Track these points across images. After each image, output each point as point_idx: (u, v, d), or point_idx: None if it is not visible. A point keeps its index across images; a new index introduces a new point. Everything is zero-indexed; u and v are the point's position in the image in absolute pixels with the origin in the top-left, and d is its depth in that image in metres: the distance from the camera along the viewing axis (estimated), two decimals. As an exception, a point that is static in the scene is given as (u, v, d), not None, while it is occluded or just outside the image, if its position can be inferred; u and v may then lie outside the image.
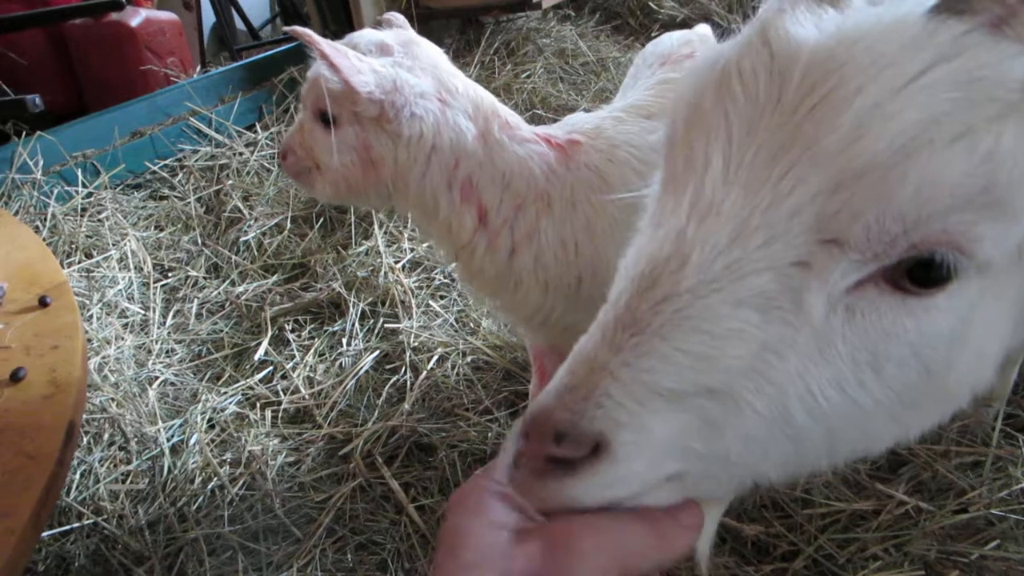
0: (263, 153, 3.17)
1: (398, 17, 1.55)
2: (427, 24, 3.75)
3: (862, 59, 0.57)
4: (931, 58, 0.55)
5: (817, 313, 0.57)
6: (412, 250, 2.55)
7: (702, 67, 0.66)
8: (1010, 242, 0.57)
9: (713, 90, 0.64)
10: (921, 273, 0.56)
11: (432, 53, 1.42)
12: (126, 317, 2.37)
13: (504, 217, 1.38)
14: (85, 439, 1.88)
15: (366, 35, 1.43)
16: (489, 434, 1.84)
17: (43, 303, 1.49)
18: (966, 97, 0.54)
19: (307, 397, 2.05)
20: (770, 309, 0.57)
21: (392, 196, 1.46)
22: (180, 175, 3.08)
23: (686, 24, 3.95)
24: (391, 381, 2.06)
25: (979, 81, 0.54)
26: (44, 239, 2.49)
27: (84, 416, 1.90)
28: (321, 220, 2.79)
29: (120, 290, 2.43)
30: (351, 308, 2.32)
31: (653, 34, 4.42)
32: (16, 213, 2.56)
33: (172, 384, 2.14)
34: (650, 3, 4.62)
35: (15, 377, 1.29)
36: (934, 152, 0.53)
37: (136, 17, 4.03)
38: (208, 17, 5.52)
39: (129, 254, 2.57)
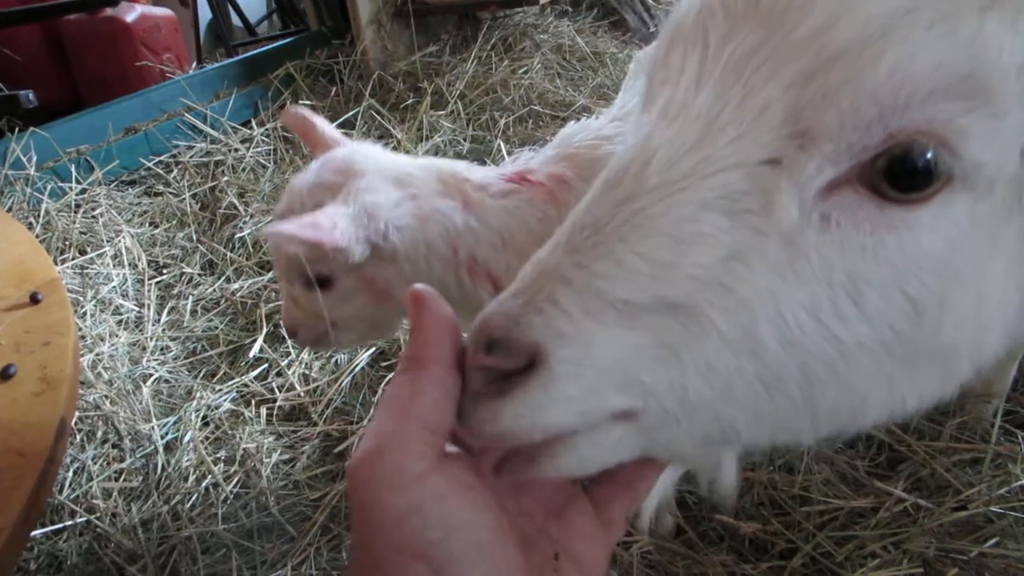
0: (258, 149, 3.15)
1: (298, 112, 1.48)
2: (423, 20, 3.74)
3: None
4: None
5: (788, 217, 0.52)
6: (408, 246, 2.54)
7: (685, 3, 0.63)
8: (1001, 150, 0.52)
9: (695, 9, 0.61)
10: (903, 177, 0.51)
11: (368, 159, 1.33)
12: (120, 314, 2.35)
13: (514, 274, 1.35)
14: (78, 437, 1.87)
15: (298, 186, 1.33)
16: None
17: (34, 300, 1.48)
18: None
19: (302, 395, 2.03)
20: (739, 212, 0.52)
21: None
22: (175, 171, 3.06)
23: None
24: (387, 378, 2.05)
25: None
26: (37, 235, 2.47)
27: (77, 413, 1.88)
28: (317, 216, 2.78)
29: (114, 287, 2.41)
30: (347, 305, 2.31)
31: (651, 29, 4.41)
32: (9, 209, 2.54)
33: (166, 381, 2.12)
34: (650, -2, 4.61)
35: (5, 374, 1.27)
36: (912, 33, 0.49)
37: (131, 13, 4.02)
38: (204, 13, 5.50)
39: (123, 251, 2.56)
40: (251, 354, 2.17)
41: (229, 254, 2.64)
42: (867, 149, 0.51)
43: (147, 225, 2.80)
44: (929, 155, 0.50)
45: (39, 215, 2.58)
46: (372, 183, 1.28)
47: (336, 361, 2.16)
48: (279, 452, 1.87)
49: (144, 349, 2.22)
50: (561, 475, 0.57)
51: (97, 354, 2.10)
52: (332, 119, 3.23)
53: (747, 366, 0.53)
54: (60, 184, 2.76)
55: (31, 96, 2.70)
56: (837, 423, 0.60)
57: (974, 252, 0.55)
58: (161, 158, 3.09)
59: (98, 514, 1.70)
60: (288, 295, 1.39)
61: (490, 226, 1.32)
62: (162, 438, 1.89)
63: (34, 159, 2.71)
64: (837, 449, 1.78)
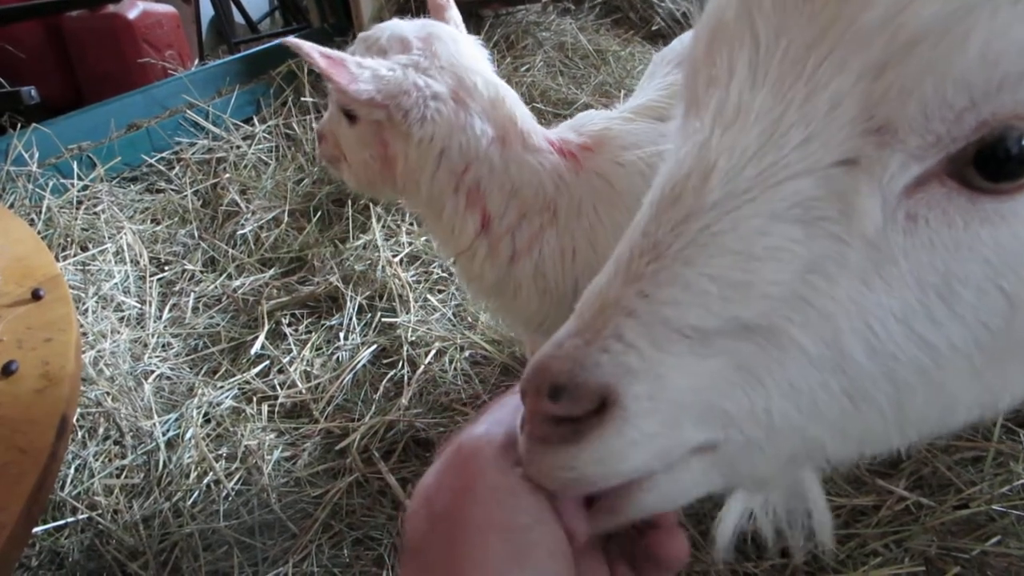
0: (260, 146, 3.15)
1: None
2: (427, 17, 3.73)
3: None
4: None
5: (872, 221, 0.47)
6: (410, 244, 2.54)
7: None
8: None
9: (737, 3, 0.55)
10: (996, 166, 0.46)
11: (453, 49, 1.36)
12: (122, 311, 2.35)
13: (508, 225, 1.36)
14: (80, 433, 1.87)
15: (389, 28, 1.40)
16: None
17: (36, 296, 1.48)
18: None
19: (304, 392, 2.03)
20: (814, 221, 0.48)
21: (404, 193, 1.46)
22: (177, 168, 3.06)
23: (687, 17, 3.92)
24: (388, 376, 2.05)
25: None
26: (39, 232, 2.47)
27: (79, 410, 1.88)
28: (319, 214, 2.78)
29: (116, 283, 2.41)
30: (348, 302, 2.31)
31: (654, 28, 4.40)
32: (11, 206, 2.54)
33: (168, 378, 2.13)
34: (652, -5, 4.60)
35: (7, 370, 1.27)
36: (1000, 7, 0.44)
37: (133, 9, 4.02)
38: (207, 10, 5.50)
39: (125, 247, 2.56)
40: (252, 351, 2.17)
41: (231, 251, 2.64)
42: (957, 140, 0.46)
43: (149, 222, 2.80)
44: (1020, 141, 0.45)
45: (41, 211, 2.58)
46: (433, 67, 1.32)
47: (338, 358, 2.16)
48: (280, 449, 1.87)
49: (146, 346, 2.22)
50: (643, 515, 0.54)
51: (99, 351, 2.10)
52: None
53: (832, 382, 0.49)
54: (62, 180, 2.76)
55: (33, 92, 2.69)
56: (926, 427, 0.56)
57: None
58: (163, 155, 3.09)
59: (100, 511, 1.70)
60: (330, 110, 1.47)
61: (508, 171, 1.34)
62: (164, 435, 1.89)
63: (36, 155, 2.71)
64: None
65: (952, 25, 0.45)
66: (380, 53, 1.34)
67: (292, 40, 1.34)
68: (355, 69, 1.28)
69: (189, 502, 1.72)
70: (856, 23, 0.48)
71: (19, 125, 2.79)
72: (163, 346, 2.26)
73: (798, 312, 0.48)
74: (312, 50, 1.28)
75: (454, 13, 1.51)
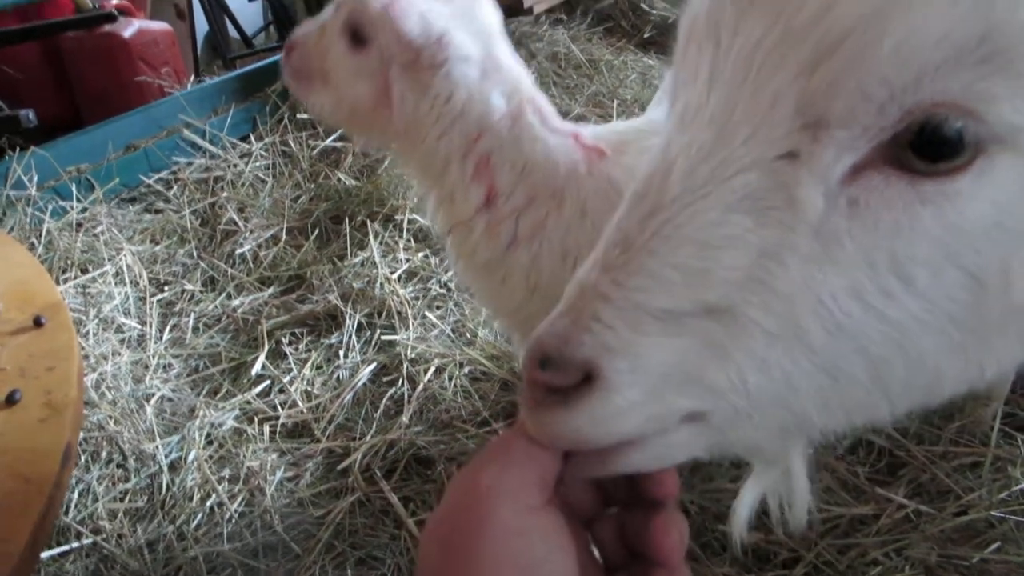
0: (257, 164, 3.16)
1: None
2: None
3: None
4: None
5: (813, 208, 0.52)
6: (408, 260, 2.55)
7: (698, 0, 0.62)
8: None
9: (705, 11, 0.60)
10: (927, 150, 0.49)
11: (491, 19, 1.34)
12: (123, 332, 2.36)
13: (513, 206, 1.31)
14: (83, 457, 1.88)
15: None
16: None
17: (38, 323, 1.49)
18: None
19: (305, 411, 2.05)
20: (763, 211, 0.53)
21: (397, 142, 1.39)
22: (175, 188, 3.07)
23: (678, 25, 3.94)
24: (389, 393, 2.06)
25: None
26: (39, 255, 2.49)
27: (82, 434, 1.89)
28: (316, 231, 2.79)
29: (116, 305, 2.43)
30: (348, 320, 2.32)
31: (646, 35, 4.43)
32: (11, 230, 2.56)
33: (169, 400, 2.14)
34: (642, 4, 4.62)
35: (10, 400, 1.29)
36: (914, 4, 0.47)
37: (129, 28, 4.03)
38: (201, 26, 5.52)
39: (125, 268, 2.57)
40: (253, 371, 2.18)
41: (230, 270, 2.66)
42: (884, 130, 0.50)
43: (148, 242, 2.82)
44: (950, 125, 0.48)
45: (41, 235, 2.59)
46: (471, 28, 1.28)
47: (338, 377, 2.17)
48: (283, 469, 1.88)
49: (147, 367, 2.23)
50: (633, 470, 0.59)
51: (100, 373, 2.11)
52: (330, 132, 3.25)
53: (801, 357, 0.53)
54: (61, 203, 2.77)
55: (32, 116, 2.71)
56: (913, 398, 0.59)
57: None
58: (161, 175, 3.11)
59: (104, 535, 1.71)
60: (323, 21, 1.37)
61: (520, 148, 1.30)
62: (166, 457, 1.90)
63: (35, 179, 2.72)
64: (838, 456, 1.79)
65: (871, 24, 0.48)
66: None
67: None
68: (406, 4, 1.23)
69: (193, 525, 1.73)
70: (793, 22, 0.52)
71: (17, 147, 2.80)
72: (164, 367, 2.27)
73: (755, 294, 0.52)
74: None
75: None
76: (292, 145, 3.26)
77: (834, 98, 0.50)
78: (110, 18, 3.79)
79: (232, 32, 5.56)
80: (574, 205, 1.31)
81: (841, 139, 0.51)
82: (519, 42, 3.97)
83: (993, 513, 1.59)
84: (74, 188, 2.82)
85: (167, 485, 1.83)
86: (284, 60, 1.44)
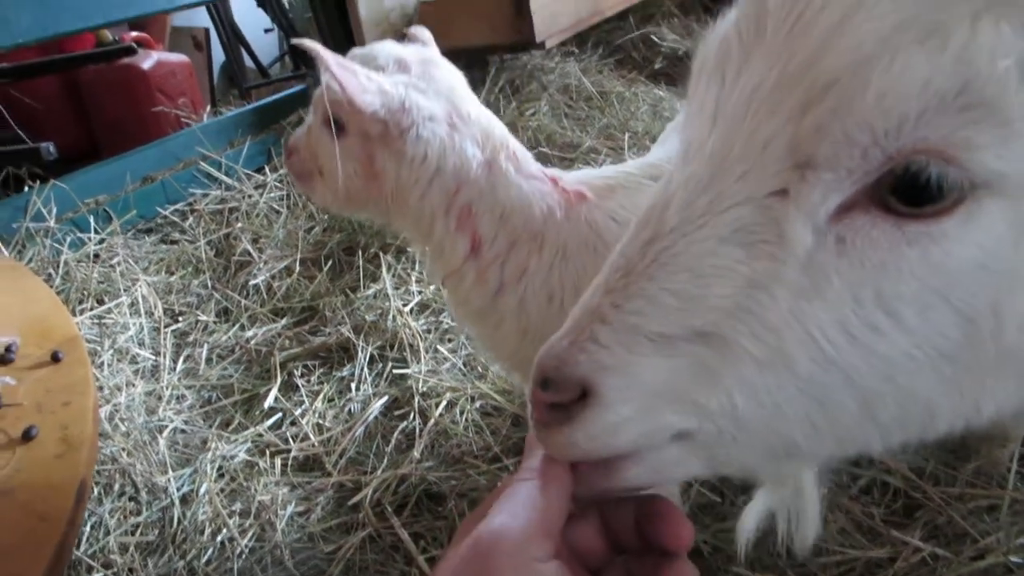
0: (272, 195, 3.20)
1: (423, 32, 1.56)
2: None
3: None
4: None
5: (801, 243, 0.54)
6: (420, 292, 2.56)
7: (712, 34, 0.66)
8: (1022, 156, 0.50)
9: (717, 43, 0.64)
10: (910, 194, 0.52)
11: (449, 76, 1.41)
12: (137, 363, 2.38)
13: (497, 252, 1.37)
14: (96, 490, 1.88)
15: (387, 48, 1.44)
16: (499, 483, 1.83)
17: (55, 358, 1.51)
18: None
19: (316, 444, 2.05)
20: (754, 244, 0.56)
21: (389, 211, 1.46)
22: (191, 219, 3.11)
23: (689, 57, 3.97)
24: (400, 427, 2.06)
25: None
26: (56, 287, 2.51)
27: (95, 467, 1.90)
28: (330, 262, 2.81)
29: (131, 336, 2.44)
30: (360, 352, 2.33)
31: (656, 67, 4.47)
32: (30, 261, 2.59)
33: (182, 431, 2.14)
34: (652, 36, 4.67)
35: (27, 435, 1.30)
36: (898, 55, 0.50)
37: (148, 60, 4.12)
38: (218, 56, 5.62)
39: (140, 299, 2.59)
40: (266, 404, 2.19)
41: (243, 301, 2.68)
42: (868, 173, 0.52)
43: (163, 273, 2.84)
44: (931, 170, 0.50)
45: (59, 266, 2.62)
46: (430, 90, 1.35)
47: (349, 410, 2.17)
48: (294, 504, 1.87)
49: (160, 398, 2.25)
50: (634, 486, 0.62)
51: (114, 405, 2.13)
52: (344, 164, 3.28)
53: (788, 385, 0.56)
54: (79, 235, 2.81)
55: (52, 149, 2.77)
56: (907, 431, 0.61)
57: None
58: (177, 206, 3.15)
59: (115, 569, 1.70)
60: (307, 123, 1.48)
61: (497, 195, 1.35)
62: (178, 490, 1.90)
63: (54, 211, 2.76)
64: (852, 496, 1.77)
65: (857, 73, 0.51)
66: (377, 71, 1.37)
67: (307, 42, 1.35)
68: (365, 81, 1.31)
69: (203, 560, 1.73)
70: (788, 68, 0.55)
71: (38, 180, 2.85)
72: (177, 398, 2.28)
73: (744, 322, 0.56)
74: (327, 55, 1.30)
75: (434, 50, 1.53)
76: (306, 176, 3.29)
77: (821, 141, 0.53)
78: (130, 51, 3.87)
79: (248, 62, 5.65)
80: (554, 248, 1.36)
81: (827, 180, 0.53)
82: (531, 75, 4.01)
83: (1011, 558, 1.57)
84: (92, 220, 2.86)
85: (178, 519, 1.83)
86: (286, 164, 1.56)
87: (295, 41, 1.46)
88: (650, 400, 0.57)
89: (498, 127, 1.43)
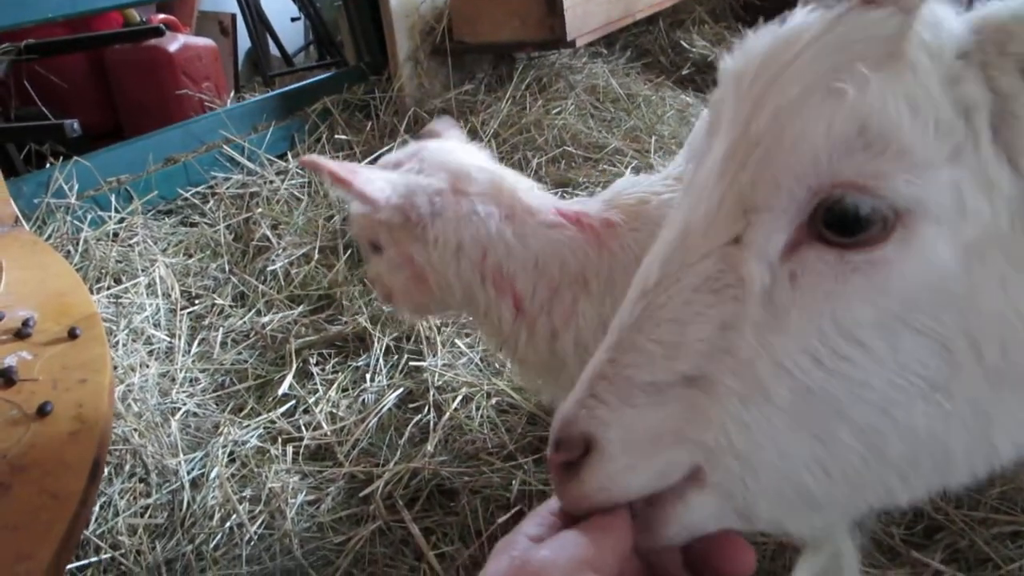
0: (293, 182, 3.19)
1: (442, 123, 1.63)
2: (460, 58, 3.78)
3: (756, 62, 0.64)
4: (806, 40, 0.61)
5: (758, 281, 0.59)
6: (439, 286, 2.54)
7: (694, 132, 0.77)
8: (939, 182, 0.56)
9: (701, 128, 0.72)
10: (838, 225, 0.57)
11: (437, 151, 1.44)
12: (152, 344, 2.37)
13: (540, 302, 1.37)
14: (107, 470, 1.87)
15: (381, 160, 1.50)
16: (513, 481, 1.80)
17: (72, 335, 1.49)
18: (837, 63, 0.58)
19: (329, 434, 2.03)
20: (721, 289, 0.61)
21: (446, 301, 1.47)
22: (211, 202, 3.10)
23: (717, 64, 3.92)
24: (414, 420, 2.04)
25: (850, 45, 0.59)
26: (75, 264, 2.51)
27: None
28: (348, 251, 2.80)
29: (147, 316, 2.44)
30: (376, 343, 2.31)
31: (684, 72, 4.43)
32: (49, 237, 2.59)
33: (194, 415, 2.13)
34: (681, 41, 4.64)
35: (42, 411, 1.28)
36: (805, 110, 0.58)
37: (174, 43, 4.12)
38: (244, 43, 5.63)
39: (157, 280, 2.59)
40: (279, 391, 2.17)
41: (261, 286, 2.66)
42: (800, 210, 0.59)
43: (181, 255, 2.84)
44: (851, 201, 0.56)
45: (78, 244, 2.62)
46: (425, 169, 1.39)
47: (363, 400, 2.16)
48: (304, 493, 1.86)
49: (174, 380, 2.23)
50: (675, 540, 0.64)
51: (128, 385, 2.12)
52: (367, 154, 3.27)
53: (775, 418, 0.58)
54: (100, 213, 2.80)
55: (76, 126, 2.75)
56: (925, 477, 0.62)
57: (983, 276, 0.57)
58: (198, 189, 3.14)
59: (123, 550, 1.69)
60: (364, 253, 1.56)
61: (527, 246, 1.37)
62: (188, 474, 1.89)
63: (75, 188, 2.76)
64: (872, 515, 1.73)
65: (776, 131, 0.59)
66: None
67: (308, 158, 1.40)
68: (370, 175, 1.35)
69: (211, 545, 1.71)
70: (731, 139, 0.64)
71: (61, 157, 2.85)
72: (191, 381, 2.27)
73: (722, 362, 0.60)
74: (329, 163, 1.34)
75: (455, 133, 1.61)
76: (328, 165, 3.28)
77: (756, 188, 0.60)
78: (158, 32, 3.86)
79: (273, 50, 5.65)
80: (599, 282, 1.36)
81: (767, 221, 0.60)
82: (558, 73, 3.99)
83: (1035, 585, 1.53)
84: (113, 199, 2.86)
85: (188, 502, 1.82)
86: (377, 293, 1.62)
87: (300, 160, 1.52)
88: (649, 445, 0.61)
89: (508, 176, 1.43)
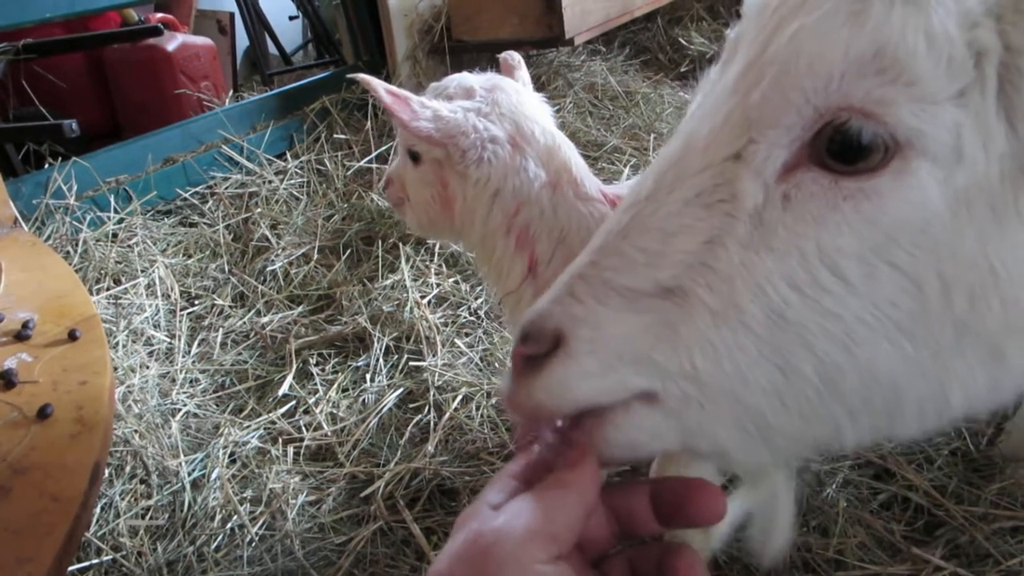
0: (292, 182, 3.19)
1: (513, 56, 1.61)
2: (458, 57, 3.78)
3: None
4: None
5: (751, 198, 0.60)
6: (438, 285, 2.54)
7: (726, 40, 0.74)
8: (940, 117, 0.56)
9: (739, 31, 0.70)
10: (840, 150, 0.58)
11: (514, 99, 1.44)
12: (152, 345, 2.37)
13: (554, 271, 1.37)
14: (107, 471, 1.87)
15: (458, 79, 1.49)
16: (512, 480, 1.80)
17: (72, 337, 1.49)
18: None
19: (329, 434, 2.03)
20: (713, 204, 0.61)
21: (461, 234, 1.51)
22: (210, 202, 3.10)
23: (716, 60, 3.92)
24: (415, 420, 2.04)
25: None
26: (75, 265, 2.51)
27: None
28: (348, 251, 2.80)
29: (147, 317, 2.43)
30: (376, 343, 2.31)
31: (683, 69, 4.42)
32: (48, 238, 2.58)
33: (195, 416, 2.13)
34: (680, 39, 4.63)
35: (42, 414, 1.28)
36: (825, 31, 0.58)
37: (173, 42, 4.11)
38: (242, 41, 5.62)
39: (157, 281, 2.58)
40: (280, 391, 2.17)
41: (260, 287, 2.66)
42: (805, 129, 0.59)
43: (181, 255, 2.83)
44: (854, 126, 0.57)
45: (78, 244, 2.62)
46: (493, 113, 1.39)
47: (364, 400, 2.15)
48: (305, 493, 1.86)
49: (174, 381, 2.23)
50: (615, 456, 0.63)
51: (128, 387, 2.11)
52: (365, 153, 3.27)
53: (745, 341, 0.59)
54: (99, 214, 2.80)
55: (74, 126, 2.74)
56: (875, 419, 0.63)
57: (967, 224, 0.58)
58: (197, 189, 3.13)
59: (124, 552, 1.69)
60: (397, 154, 1.57)
61: (557, 216, 1.37)
62: (189, 475, 1.89)
63: (74, 188, 2.75)
64: (872, 511, 1.74)
65: (793, 50, 0.59)
66: (446, 99, 1.43)
67: (361, 76, 1.46)
68: (417, 107, 1.37)
69: (213, 547, 1.71)
70: (748, 60, 0.63)
71: (59, 157, 2.84)
72: (191, 382, 2.27)
73: (702, 276, 0.60)
74: (379, 86, 1.37)
75: (523, 73, 1.59)
76: (327, 164, 3.28)
77: (764, 105, 0.60)
78: (156, 32, 3.86)
79: (272, 49, 5.65)
80: None
81: (771, 138, 0.60)
82: (557, 71, 3.98)
83: (1035, 581, 1.54)
84: (112, 199, 2.85)
85: (189, 503, 1.81)
86: (386, 192, 1.65)
87: (354, 75, 1.52)
88: (613, 356, 0.60)
89: (564, 145, 1.43)
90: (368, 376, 2.22)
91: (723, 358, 0.59)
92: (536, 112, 1.45)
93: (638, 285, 0.61)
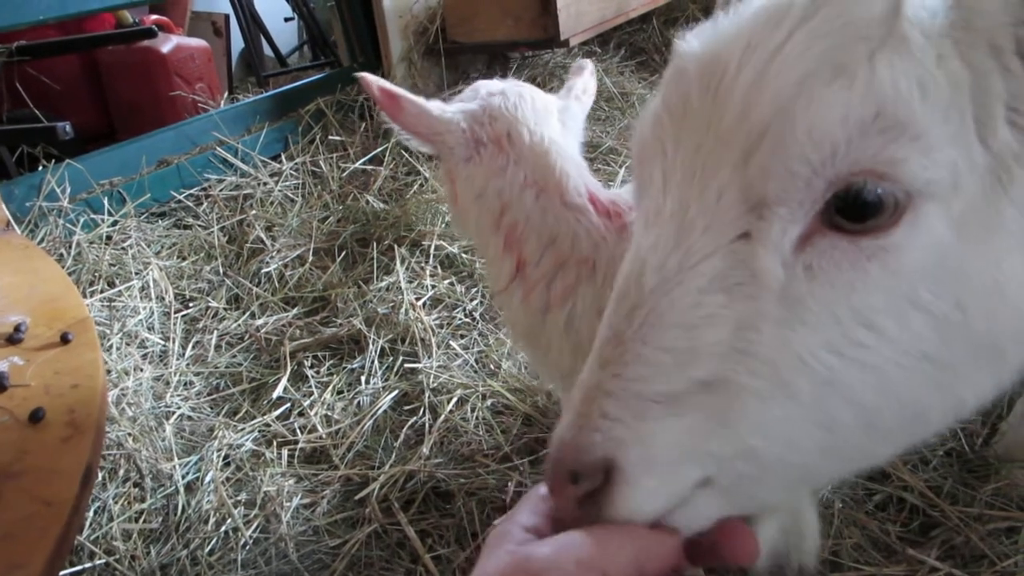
0: (287, 183, 3.18)
1: (587, 64, 1.65)
2: (454, 58, 3.78)
3: (737, 47, 0.61)
4: (792, 24, 0.59)
5: (773, 276, 0.58)
6: (433, 287, 2.53)
7: (646, 110, 0.72)
8: (944, 159, 0.56)
9: (650, 123, 0.69)
10: (854, 212, 0.57)
11: (513, 102, 1.44)
12: (146, 348, 2.36)
13: (542, 273, 1.37)
14: (100, 474, 1.86)
15: (486, 85, 1.51)
16: (509, 483, 1.80)
17: (65, 340, 1.48)
18: (835, 44, 0.57)
19: (324, 437, 2.02)
20: (732, 287, 0.59)
21: (465, 229, 1.53)
22: (204, 204, 3.09)
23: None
24: (409, 422, 2.04)
25: (844, 27, 0.58)
26: (68, 268, 2.50)
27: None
28: (343, 253, 2.79)
29: (141, 320, 2.43)
30: (371, 345, 2.30)
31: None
32: (42, 241, 2.57)
33: (189, 418, 2.12)
34: (675, 40, 4.62)
35: (34, 417, 1.27)
36: (815, 96, 0.56)
37: (167, 44, 4.11)
38: (237, 43, 5.61)
39: (151, 283, 2.57)
40: (274, 394, 2.17)
41: (255, 289, 2.65)
42: (816, 201, 0.58)
43: (175, 257, 2.82)
44: (869, 188, 0.56)
45: (71, 247, 2.61)
46: (485, 116, 1.41)
47: (358, 403, 2.15)
48: (300, 496, 1.85)
49: (168, 384, 2.23)
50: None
51: (122, 389, 2.11)
52: (361, 154, 3.27)
53: (794, 414, 0.58)
54: (92, 216, 2.79)
55: (68, 128, 2.73)
56: (905, 438, 0.65)
57: (969, 248, 0.59)
58: (191, 191, 3.13)
59: (117, 556, 1.68)
60: None
61: (545, 220, 1.38)
62: (183, 478, 1.88)
63: (68, 191, 2.74)
64: (868, 512, 1.73)
65: (784, 116, 0.57)
66: (463, 101, 1.48)
67: (361, 74, 1.49)
68: (406, 105, 1.40)
69: (207, 550, 1.70)
70: (721, 128, 0.60)
71: (53, 160, 2.83)
72: (185, 385, 2.26)
73: (740, 362, 0.58)
74: (373, 82, 1.40)
75: (582, 80, 1.63)
76: (322, 166, 3.27)
77: (768, 181, 0.58)
78: (150, 34, 3.85)
79: (267, 50, 5.64)
80: (608, 267, 1.35)
81: (782, 214, 0.58)
82: (552, 73, 3.98)
83: (1030, 582, 1.54)
84: (106, 201, 2.84)
85: (183, 507, 1.81)
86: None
87: (356, 75, 1.55)
88: (670, 467, 0.59)
89: (553, 155, 1.41)
90: (363, 378, 2.22)
91: (775, 433, 0.59)
92: (539, 119, 1.44)
93: (673, 388, 0.58)
